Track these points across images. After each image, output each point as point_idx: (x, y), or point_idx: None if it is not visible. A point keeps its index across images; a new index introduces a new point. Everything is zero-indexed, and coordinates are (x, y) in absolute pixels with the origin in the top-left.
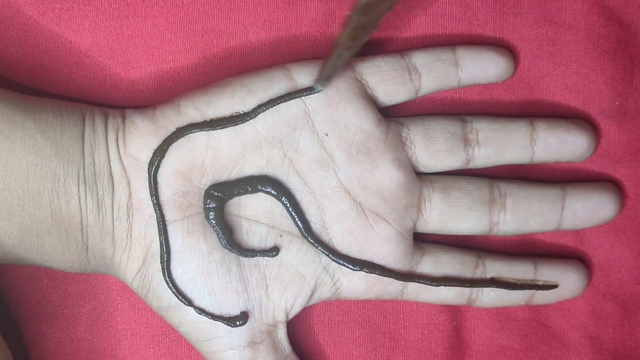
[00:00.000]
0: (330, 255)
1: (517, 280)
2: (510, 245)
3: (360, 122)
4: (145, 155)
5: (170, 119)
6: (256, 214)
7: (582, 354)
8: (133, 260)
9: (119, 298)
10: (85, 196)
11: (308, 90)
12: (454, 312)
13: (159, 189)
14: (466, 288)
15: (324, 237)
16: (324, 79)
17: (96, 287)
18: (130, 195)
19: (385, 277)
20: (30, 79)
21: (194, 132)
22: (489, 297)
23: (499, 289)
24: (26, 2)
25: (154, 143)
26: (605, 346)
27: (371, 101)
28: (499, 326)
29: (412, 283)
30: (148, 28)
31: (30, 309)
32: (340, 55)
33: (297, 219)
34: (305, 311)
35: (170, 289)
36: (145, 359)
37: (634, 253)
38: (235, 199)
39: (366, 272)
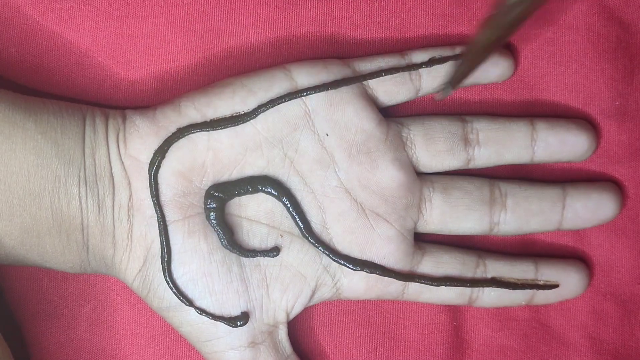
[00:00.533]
0: (331, 256)
1: (518, 280)
2: (510, 245)
3: (360, 122)
4: (146, 156)
5: (171, 119)
6: (257, 214)
7: (582, 354)
8: (134, 260)
9: (119, 298)
10: (86, 197)
11: (443, 93)
12: (454, 312)
13: (160, 190)
14: (467, 288)
15: (325, 237)
16: (455, 82)
17: (96, 287)
18: (130, 195)
19: (386, 277)
20: (31, 79)
21: (194, 132)
22: (490, 297)
23: (499, 289)
24: (26, 2)
25: (155, 143)
26: (605, 346)
27: (371, 101)
28: (499, 326)
29: (413, 283)
30: (148, 28)
31: (30, 309)
32: (477, 57)
33: (297, 219)
34: (305, 311)
35: (171, 289)
36: (145, 359)
37: (634, 253)
38: (236, 200)
39: (367, 272)
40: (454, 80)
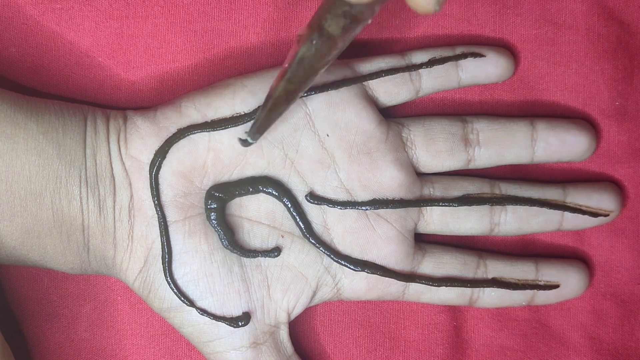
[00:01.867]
0: (332, 256)
1: (519, 280)
2: (510, 245)
3: (361, 122)
4: (147, 156)
5: (172, 120)
6: (257, 214)
7: (582, 354)
8: (134, 261)
9: (119, 298)
10: (87, 197)
11: (243, 143)
12: (454, 312)
13: (160, 190)
14: (467, 288)
15: (326, 237)
16: (256, 132)
17: (96, 287)
18: (131, 196)
19: (387, 278)
20: (31, 79)
21: (195, 133)
22: (491, 297)
23: (500, 290)
24: (26, 2)
25: (155, 144)
26: (605, 346)
27: (372, 102)
28: (499, 326)
29: (414, 284)
30: (148, 28)
31: (30, 309)
32: (275, 108)
33: (298, 220)
34: (306, 311)
35: (172, 289)
36: (146, 358)
37: (634, 253)
38: (237, 200)
39: (368, 272)
40: (256, 130)
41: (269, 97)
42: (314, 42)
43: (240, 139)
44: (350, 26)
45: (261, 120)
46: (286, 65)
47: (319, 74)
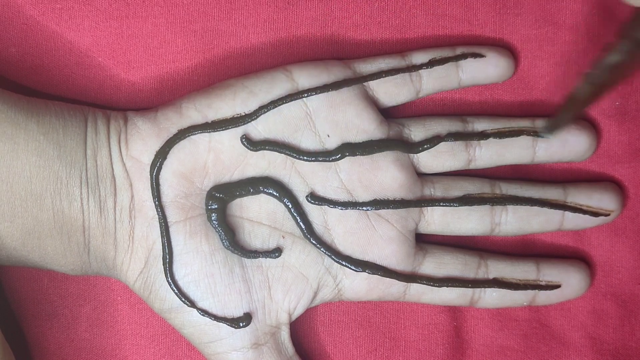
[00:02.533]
0: (333, 256)
1: (520, 280)
2: (511, 245)
3: (361, 123)
4: (147, 157)
5: (172, 120)
6: (258, 215)
7: (583, 354)
8: (135, 262)
9: (119, 298)
10: (88, 198)
11: (538, 132)
12: (454, 312)
13: (161, 191)
14: (469, 289)
15: (326, 238)
16: (554, 129)
17: (96, 287)
18: (132, 197)
19: (388, 278)
20: (31, 79)
21: (195, 133)
22: (492, 297)
23: (501, 290)
24: (26, 2)
25: (156, 145)
26: (605, 346)
27: (372, 102)
28: (499, 326)
29: (415, 284)
30: (148, 28)
31: (30, 310)
32: (575, 108)
33: (299, 220)
34: (306, 311)
35: (173, 290)
36: (146, 358)
37: (634, 253)
38: (238, 201)
39: (369, 273)
40: (554, 127)
41: (571, 98)
42: (626, 51)
43: (540, 132)
44: None
45: (562, 119)
46: (593, 70)
47: (627, 76)
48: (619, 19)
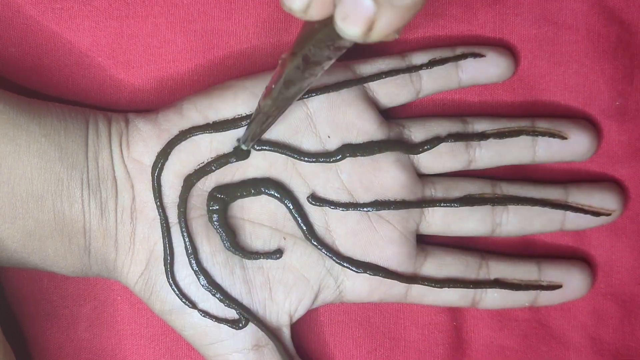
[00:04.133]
0: (334, 258)
1: (521, 281)
2: (512, 246)
3: (362, 124)
4: (149, 159)
5: (173, 122)
6: (259, 216)
7: (583, 354)
8: (136, 263)
9: (119, 298)
10: (89, 200)
11: (235, 155)
12: (454, 312)
13: (163, 192)
14: (470, 290)
15: (328, 239)
16: (249, 140)
17: (96, 287)
18: (133, 198)
19: (389, 280)
20: (30, 79)
21: (196, 134)
22: (493, 298)
23: (502, 291)
24: (26, 2)
25: (157, 146)
26: (605, 346)
27: (372, 103)
28: (499, 326)
29: (416, 285)
30: (148, 28)
31: (30, 309)
32: (264, 120)
33: (300, 222)
34: (306, 312)
35: (174, 291)
36: (146, 358)
37: (634, 253)
38: (239, 202)
39: (370, 274)
40: (249, 139)
41: (257, 111)
42: (299, 67)
43: (235, 149)
44: (336, 53)
45: (253, 131)
46: (272, 85)
47: (305, 90)
48: (619, 19)
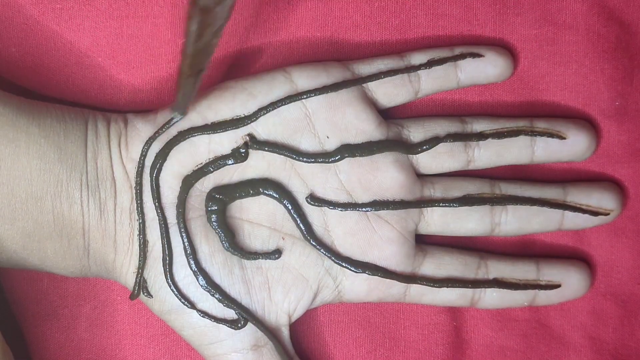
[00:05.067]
0: (333, 258)
1: (520, 280)
2: (511, 246)
3: (360, 124)
4: (147, 159)
5: None
6: (258, 216)
7: (582, 354)
8: (135, 264)
9: (119, 298)
10: (88, 200)
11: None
12: (454, 312)
13: (161, 192)
14: (469, 290)
15: (326, 239)
16: (181, 107)
17: (96, 287)
18: (132, 199)
19: (388, 280)
20: (30, 79)
21: (195, 135)
22: (492, 298)
23: (501, 290)
24: (26, 2)
25: (156, 147)
26: (605, 346)
27: (371, 103)
28: (499, 326)
29: (415, 285)
30: (148, 28)
31: (30, 310)
32: (187, 83)
33: (299, 222)
34: (305, 312)
35: (173, 291)
36: (145, 358)
37: (634, 253)
38: (237, 202)
39: (368, 274)
40: (180, 106)
41: (179, 76)
42: (195, 17)
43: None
44: None
45: (182, 97)
46: (184, 41)
47: (215, 43)
48: (619, 19)
